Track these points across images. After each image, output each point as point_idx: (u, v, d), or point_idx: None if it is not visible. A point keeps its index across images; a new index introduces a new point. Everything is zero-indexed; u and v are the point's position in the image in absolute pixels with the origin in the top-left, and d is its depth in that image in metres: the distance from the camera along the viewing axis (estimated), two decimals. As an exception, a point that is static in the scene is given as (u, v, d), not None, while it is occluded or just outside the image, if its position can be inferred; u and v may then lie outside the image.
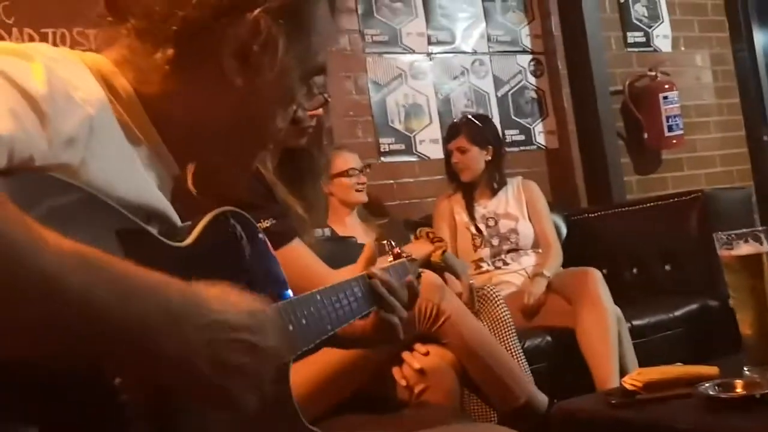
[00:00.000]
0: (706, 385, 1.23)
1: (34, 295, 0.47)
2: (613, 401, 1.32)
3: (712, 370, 1.33)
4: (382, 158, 3.37)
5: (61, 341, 0.50)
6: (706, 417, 1.16)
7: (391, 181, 3.40)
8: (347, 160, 2.78)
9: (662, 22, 4.22)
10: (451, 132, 3.03)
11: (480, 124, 2.98)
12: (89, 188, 0.62)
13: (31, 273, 0.46)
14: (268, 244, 0.89)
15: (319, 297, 0.93)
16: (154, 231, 0.71)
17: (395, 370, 1.67)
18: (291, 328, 0.83)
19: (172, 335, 0.55)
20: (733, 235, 1.34)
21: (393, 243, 1.38)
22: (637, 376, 1.36)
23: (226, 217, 0.82)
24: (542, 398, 1.76)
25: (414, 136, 3.49)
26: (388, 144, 3.43)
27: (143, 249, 0.66)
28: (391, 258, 1.34)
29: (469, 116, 3.08)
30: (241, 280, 0.79)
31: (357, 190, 2.75)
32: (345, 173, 2.73)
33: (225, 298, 0.62)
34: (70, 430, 0.55)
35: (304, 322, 0.86)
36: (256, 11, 0.72)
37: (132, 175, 0.71)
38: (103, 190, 0.64)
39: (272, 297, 0.81)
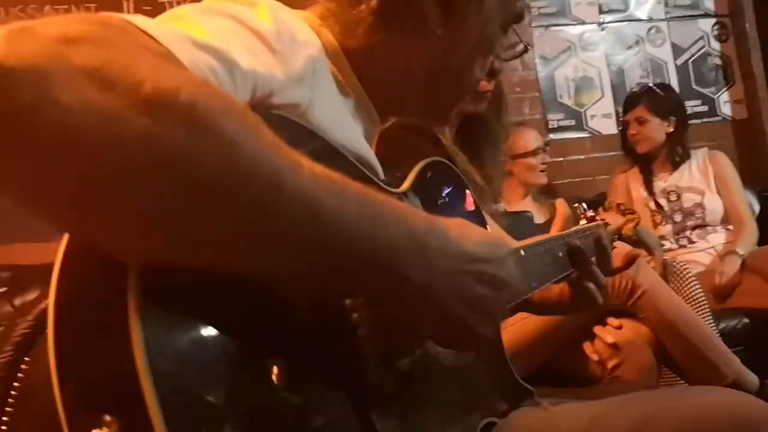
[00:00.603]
0: None
1: (294, 216, 0.46)
2: None
3: None
4: (551, 135, 3.27)
5: (313, 264, 0.49)
6: None
7: (561, 159, 3.29)
8: (530, 139, 2.71)
9: None
10: (630, 102, 2.85)
11: (661, 93, 2.80)
12: (321, 132, 0.64)
13: (292, 194, 0.46)
14: (473, 197, 0.88)
15: (523, 252, 0.92)
16: (375, 178, 0.72)
17: (587, 345, 1.61)
18: None
19: (418, 262, 0.54)
20: None
21: (585, 206, 1.34)
22: None
23: (437, 165, 0.82)
24: (753, 378, 1.62)
25: (585, 111, 3.36)
26: (557, 120, 3.33)
27: None
28: (584, 221, 1.29)
29: (650, 85, 2.90)
30: None
31: (541, 171, 2.67)
32: (530, 153, 2.65)
33: (465, 231, 0.61)
34: (304, 356, 0.55)
35: (521, 272, 0.85)
36: None
37: (347, 125, 0.73)
38: (328, 135, 0.65)
39: None
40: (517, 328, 1.45)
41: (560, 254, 1.05)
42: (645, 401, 0.81)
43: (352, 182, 0.51)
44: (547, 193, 2.90)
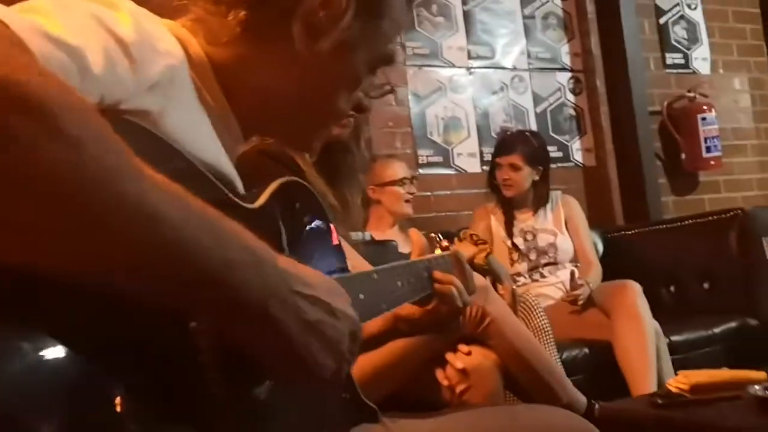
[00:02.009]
0: (756, 387, 1.23)
1: (132, 224, 0.46)
2: (659, 401, 1.32)
3: (760, 374, 1.33)
4: (420, 170, 3.40)
5: (150, 274, 0.49)
6: (756, 417, 1.16)
7: (429, 194, 3.42)
8: (398, 169, 2.80)
9: (701, 44, 4.22)
10: (506, 147, 2.96)
11: (535, 143, 2.94)
12: (172, 141, 0.63)
13: (133, 202, 0.46)
14: (329, 219, 0.91)
15: (375, 276, 0.95)
16: (225, 189, 0.71)
17: (438, 372, 1.68)
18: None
19: (255, 279, 0.54)
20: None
21: (441, 237, 1.41)
22: (683, 379, 1.36)
23: (294, 185, 0.84)
24: (582, 399, 1.76)
25: (452, 149, 3.52)
26: (427, 156, 3.46)
27: (217, 205, 0.65)
28: (438, 251, 1.36)
29: (527, 132, 3.06)
30: (302, 250, 0.81)
31: (406, 201, 2.77)
32: (398, 182, 2.75)
33: (303, 270, 0.62)
34: (146, 374, 0.54)
35: (361, 297, 0.89)
36: None
37: (204, 136, 0.72)
38: (180, 144, 0.65)
39: (331, 271, 0.83)
40: (368, 356, 1.49)
41: (415, 278, 1.10)
42: (480, 416, 0.87)
43: (194, 197, 0.52)
44: (413, 225, 3.01)
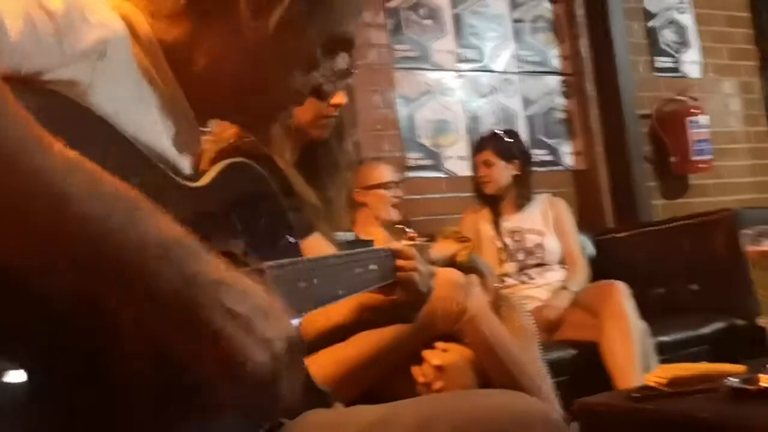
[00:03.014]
0: (732, 379, 1.21)
1: (36, 199, 0.45)
2: (636, 395, 1.30)
3: (739, 368, 1.31)
4: (410, 173, 3.39)
5: (60, 252, 0.47)
6: (731, 407, 1.14)
7: (417, 197, 3.41)
8: (385, 172, 2.79)
9: (691, 48, 4.22)
10: (478, 146, 3.06)
11: (507, 139, 2.99)
12: (99, 111, 0.61)
13: (35, 175, 0.44)
14: (281, 202, 0.89)
15: (333, 260, 0.94)
16: (160, 165, 0.69)
17: (414, 369, 1.66)
18: (302, 285, 0.83)
19: (170, 264, 0.51)
20: (760, 231, 1.32)
21: (408, 228, 1.40)
22: (661, 373, 1.34)
23: (242, 166, 0.82)
24: (556, 405, 1.73)
25: (441, 152, 3.50)
26: (416, 159, 3.45)
27: (149, 180, 0.64)
28: (407, 242, 1.35)
29: (496, 130, 3.10)
30: (248, 232, 0.79)
31: (393, 204, 2.75)
32: (383, 185, 2.73)
33: (234, 273, 0.57)
34: (64, 364, 0.52)
35: (315, 281, 0.87)
36: None
37: (143, 117, 0.70)
38: (110, 117, 0.63)
39: (279, 253, 0.81)
40: (343, 351, 1.47)
41: (376, 266, 1.09)
42: (434, 401, 0.85)
43: (108, 176, 0.50)
44: (401, 228, 2.99)
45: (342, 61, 0.87)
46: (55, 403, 0.51)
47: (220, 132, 1.46)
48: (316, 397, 0.85)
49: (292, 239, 0.87)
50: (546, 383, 1.72)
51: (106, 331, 0.55)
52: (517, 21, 3.78)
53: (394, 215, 2.79)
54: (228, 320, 0.54)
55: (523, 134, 3.61)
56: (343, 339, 1.35)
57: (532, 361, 1.83)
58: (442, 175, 3.49)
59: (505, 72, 3.71)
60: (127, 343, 0.57)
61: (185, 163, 0.79)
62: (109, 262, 0.49)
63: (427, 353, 1.63)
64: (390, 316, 1.13)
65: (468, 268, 2.08)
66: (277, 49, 0.77)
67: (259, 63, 0.77)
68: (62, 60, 0.58)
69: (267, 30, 0.75)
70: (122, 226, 0.49)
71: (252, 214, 0.83)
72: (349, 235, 2.46)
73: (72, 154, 0.47)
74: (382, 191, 2.74)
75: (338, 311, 1.20)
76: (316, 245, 1.45)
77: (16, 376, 0.49)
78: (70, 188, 0.46)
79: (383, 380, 1.61)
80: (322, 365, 1.43)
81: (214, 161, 0.82)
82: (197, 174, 0.78)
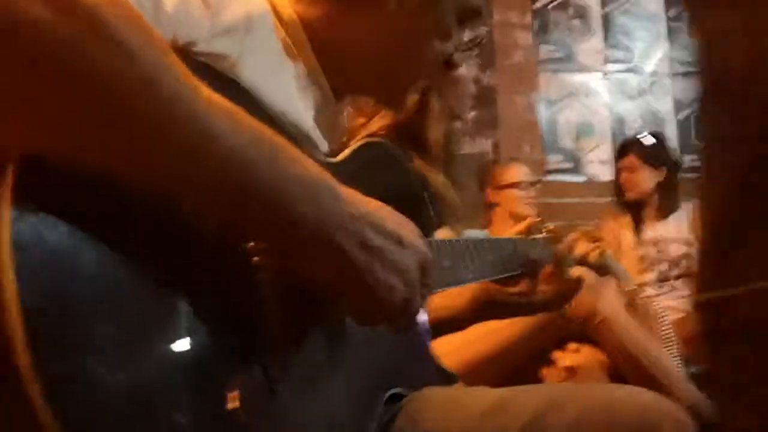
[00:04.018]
0: None
1: (184, 135, 0.47)
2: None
3: None
4: (548, 176, 3.32)
5: (201, 187, 0.49)
6: None
7: (555, 200, 3.32)
8: (518, 172, 2.76)
9: None
10: (621, 150, 2.93)
11: (653, 143, 2.84)
12: (249, 88, 0.65)
13: (185, 113, 0.46)
14: (420, 181, 0.90)
15: (464, 244, 0.94)
16: (302, 142, 0.72)
17: (544, 370, 1.63)
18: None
19: (308, 199, 0.53)
20: None
21: (546, 223, 1.38)
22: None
23: (380, 146, 0.84)
24: (705, 400, 1.62)
25: (583, 156, 3.40)
26: (556, 162, 3.37)
27: None
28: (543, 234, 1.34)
29: (642, 134, 2.96)
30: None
31: (526, 204, 2.72)
32: (516, 185, 2.70)
33: (373, 203, 0.61)
34: (201, 297, 0.54)
35: (445, 263, 0.87)
36: None
37: (284, 88, 0.73)
38: (257, 91, 0.65)
39: None
40: (472, 346, 1.48)
41: (504, 256, 1.08)
42: (557, 387, 0.83)
43: (251, 118, 0.52)
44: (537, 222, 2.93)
45: (471, 31, 0.88)
46: (197, 344, 0.54)
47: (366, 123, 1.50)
48: (440, 375, 0.86)
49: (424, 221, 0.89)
50: (693, 390, 1.62)
51: (246, 267, 0.58)
52: (673, 19, 3.59)
53: (530, 211, 2.74)
54: (367, 256, 0.57)
55: (674, 138, 3.42)
56: (460, 328, 1.35)
57: (674, 367, 1.74)
58: (582, 179, 3.39)
59: (655, 73, 3.54)
60: (267, 289, 0.60)
61: (321, 139, 0.82)
62: (248, 198, 0.51)
63: (557, 354, 1.60)
64: (511, 309, 1.12)
65: (599, 267, 2.00)
66: (417, 23, 0.79)
67: (400, 38, 0.79)
68: (212, 32, 0.62)
69: (409, 5, 0.77)
70: (261, 163, 0.51)
71: (383, 196, 0.85)
72: (481, 234, 2.45)
73: (217, 97, 0.50)
74: (515, 191, 2.70)
75: (459, 298, 1.21)
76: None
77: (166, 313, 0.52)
78: (216, 125, 0.48)
79: (510, 380, 1.59)
80: (445, 355, 1.44)
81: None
82: (335, 151, 0.82)
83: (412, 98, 0.90)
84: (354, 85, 0.85)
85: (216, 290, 0.56)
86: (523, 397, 0.78)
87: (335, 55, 0.79)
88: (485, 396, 0.80)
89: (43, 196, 0.45)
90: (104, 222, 0.48)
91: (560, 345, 1.63)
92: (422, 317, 0.87)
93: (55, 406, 0.41)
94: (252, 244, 0.58)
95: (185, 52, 0.59)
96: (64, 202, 0.46)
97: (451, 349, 1.51)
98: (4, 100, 0.43)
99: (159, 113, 0.46)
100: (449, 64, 0.87)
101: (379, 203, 0.62)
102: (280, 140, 0.54)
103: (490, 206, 2.77)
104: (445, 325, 1.22)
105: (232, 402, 0.54)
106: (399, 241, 0.60)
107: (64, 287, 0.44)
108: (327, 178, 0.57)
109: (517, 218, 2.77)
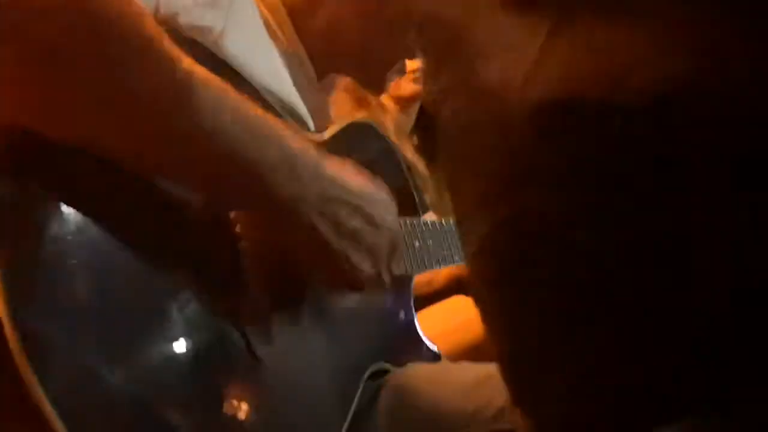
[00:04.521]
0: None
1: (162, 102, 0.48)
2: None
3: None
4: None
5: (179, 157, 0.51)
6: None
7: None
8: None
9: None
10: None
11: None
12: (234, 64, 0.66)
13: (163, 83, 0.48)
14: (402, 166, 0.91)
15: (450, 225, 0.95)
16: (287, 117, 0.73)
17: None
18: (417, 244, 0.85)
19: (285, 175, 0.55)
20: None
21: None
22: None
23: (368, 126, 0.86)
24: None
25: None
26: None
27: None
28: None
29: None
30: None
31: None
32: None
33: (346, 169, 0.63)
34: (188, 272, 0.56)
35: (430, 242, 0.89)
36: None
37: (268, 64, 0.74)
38: (241, 67, 0.67)
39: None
40: (460, 335, 1.49)
41: None
42: None
43: (234, 91, 0.53)
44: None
45: None
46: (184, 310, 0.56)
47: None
48: (424, 351, 0.87)
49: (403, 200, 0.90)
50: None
51: (228, 237, 0.60)
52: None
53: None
54: (339, 236, 0.60)
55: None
56: (434, 302, 1.37)
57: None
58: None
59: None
60: (249, 260, 0.61)
61: (307, 116, 0.83)
62: (232, 171, 0.53)
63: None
64: None
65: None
66: (398, 3, 0.80)
67: (381, 18, 0.81)
68: (192, 4, 0.62)
69: None
70: (240, 135, 0.53)
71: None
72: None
73: (201, 68, 0.51)
74: None
75: (440, 277, 1.22)
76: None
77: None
78: (193, 97, 0.50)
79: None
80: (440, 337, 1.45)
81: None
82: (320, 128, 0.83)
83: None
84: (335, 65, 0.87)
85: (199, 259, 0.57)
86: None
87: (317, 37, 0.80)
88: (469, 370, 0.81)
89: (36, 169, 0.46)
90: (90, 195, 0.49)
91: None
92: (408, 294, 0.88)
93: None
94: (234, 214, 0.59)
95: (171, 26, 0.59)
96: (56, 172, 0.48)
97: (447, 331, 1.51)
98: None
99: (142, 87, 0.48)
100: None
101: (357, 175, 0.64)
102: (262, 113, 0.55)
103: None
104: (423, 300, 1.23)
105: (216, 371, 0.56)
106: (371, 221, 0.63)
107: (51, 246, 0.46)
108: (311, 153, 0.59)
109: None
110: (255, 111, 0.55)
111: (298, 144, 0.58)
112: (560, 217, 0.27)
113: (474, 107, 0.29)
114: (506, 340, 0.33)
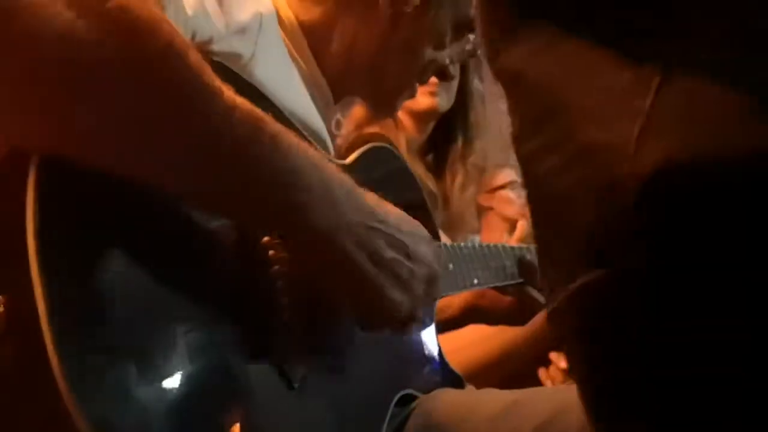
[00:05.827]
0: None
1: (203, 135, 0.49)
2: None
3: None
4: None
5: (215, 187, 0.51)
6: None
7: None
8: (510, 173, 2.77)
9: None
10: None
11: None
12: (263, 89, 0.66)
13: (204, 113, 0.49)
14: (421, 189, 0.92)
15: (470, 249, 0.95)
16: (311, 140, 0.72)
17: (541, 371, 1.63)
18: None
19: (322, 205, 0.55)
20: None
21: None
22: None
23: (386, 150, 0.86)
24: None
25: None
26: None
27: None
28: None
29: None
30: None
31: (519, 206, 2.73)
32: (508, 184, 2.70)
33: (382, 202, 0.63)
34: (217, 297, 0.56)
35: (451, 267, 0.89)
36: None
37: (294, 88, 0.75)
38: (271, 94, 0.67)
39: None
40: (472, 351, 1.48)
41: (510, 263, 1.09)
42: (570, 390, 0.83)
43: (273, 121, 0.54)
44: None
45: (468, 42, 0.90)
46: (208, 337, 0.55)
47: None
48: (449, 377, 0.87)
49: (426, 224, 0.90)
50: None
51: (262, 262, 0.60)
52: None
53: (522, 216, 2.75)
54: (376, 268, 0.59)
55: None
56: (456, 326, 1.36)
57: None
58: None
59: None
60: (281, 283, 0.61)
61: (330, 140, 0.83)
62: (264, 199, 0.54)
63: (554, 355, 1.60)
64: (503, 317, 1.14)
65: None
66: (412, 28, 0.81)
67: (395, 41, 0.81)
68: (224, 32, 0.63)
69: (404, 10, 0.79)
70: (279, 165, 0.53)
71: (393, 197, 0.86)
72: (474, 240, 2.46)
73: (240, 100, 0.52)
74: (506, 192, 2.71)
75: (452, 303, 1.22)
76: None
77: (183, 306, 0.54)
78: (234, 129, 0.50)
79: (509, 382, 1.59)
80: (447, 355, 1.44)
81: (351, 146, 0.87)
82: (339, 152, 0.83)
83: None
84: (349, 87, 0.87)
85: (232, 285, 0.58)
86: (535, 399, 0.79)
87: (333, 59, 0.81)
88: (497, 398, 0.81)
89: (65, 192, 0.47)
90: (125, 221, 0.50)
91: (558, 346, 1.63)
92: (431, 318, 0.87)
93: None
94: (267, 238, 0.60)
95: (203, 52, 0.60)
96: (87, 197, 0.48)
97: (452, 350, 1.51)
98: (23, 101, 0.44)
99: (174, 119, 0.48)
100: (443, 75, 0.89)
101: (396, 209, 0.65)
102: (299, 142, 0.56)
103: (482, 211, 2.77)
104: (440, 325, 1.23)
105: (248, 399, 0.56)
106: (409, 255, 0.63)
107: (91, 282, 0.46)
108: (347, 182, 0.59)
109: (509, 222, 2.77)
110: (291, 139, 0.55)
111: (334, 172, 0.58)
112: (662, 282, 0.27)
113: (574, 167, 0.29)
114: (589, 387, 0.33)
